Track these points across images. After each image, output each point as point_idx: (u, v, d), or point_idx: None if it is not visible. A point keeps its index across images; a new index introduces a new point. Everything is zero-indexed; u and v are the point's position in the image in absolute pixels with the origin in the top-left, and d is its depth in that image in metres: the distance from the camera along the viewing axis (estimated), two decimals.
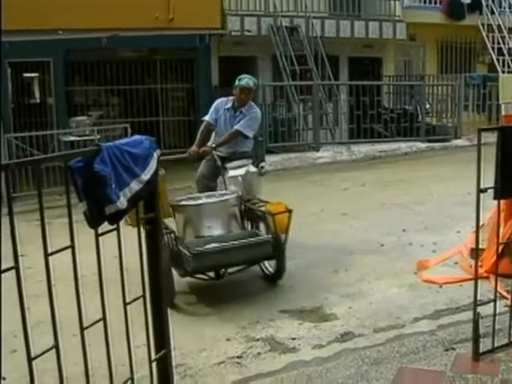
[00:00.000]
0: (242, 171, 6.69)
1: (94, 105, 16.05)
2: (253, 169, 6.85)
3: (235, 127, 7.13)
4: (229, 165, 6.83)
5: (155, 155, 3.12)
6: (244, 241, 5.92)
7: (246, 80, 7.19)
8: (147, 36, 14.25)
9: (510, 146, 4.18)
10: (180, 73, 16.57)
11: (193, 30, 15.13)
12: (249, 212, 6.59)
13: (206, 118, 7.34)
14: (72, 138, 12.70)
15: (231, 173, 6.74)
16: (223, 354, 4.67)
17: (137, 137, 3.14)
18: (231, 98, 7.32)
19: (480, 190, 4.10)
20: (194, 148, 7.10)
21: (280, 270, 6.18)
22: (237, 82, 7.24)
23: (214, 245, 5.88)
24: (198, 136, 7.29)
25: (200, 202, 6.35)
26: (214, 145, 7.16)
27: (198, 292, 6.18)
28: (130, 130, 12.91)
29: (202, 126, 7.33)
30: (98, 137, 12.30)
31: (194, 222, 6.23)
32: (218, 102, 7.43)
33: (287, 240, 6.07)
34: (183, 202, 6.38)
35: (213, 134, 7.34)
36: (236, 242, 5.86)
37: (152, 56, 16.08)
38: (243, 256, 5.89)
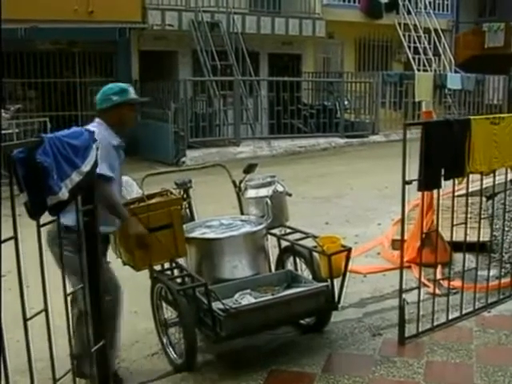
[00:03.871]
0: (267, 191, 5.04)
1: (10, 98, 15.57)
2: (280, 187, 5.16)
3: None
4: (249, 182, 5.16)
5: (94, 147, 3.14)
6: (296, 291, 4.45)
7: (132, 89, 4.30)
8: (66, 28, 14.03)
9: (433, 139, 4.40)
10: (99, 66, 16.33)
11: (113, 24, 14.99)
12: (285, 247, 5.15)
13: (109, 172, 3.95)
14: None
15: (252, 192, 5.09)
16: (155, 345, 4.69)
17: (76, 128, 3.15)
18: (102, 125, 4.09)
19: (405, 182, 4.29)
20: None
21: (323, 322, 4.78)
22: (117, 98, 4.11)
23: (251, 298, 4.36)
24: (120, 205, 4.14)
25: (224, 234, 4.68)
26: None
27: (131, 285, 6.11)
28: (49, 125, 12.69)
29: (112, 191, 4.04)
30: (17, 131, 12.03)
31: (214, 261, 4.62)
32: (101, 138, 3.56)
33: (344, 288, 4.54)
34: (197, 234, 4.73)
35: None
36: (289, 293, 4.42)
37: (71, 49, 15.77)
38: (291, 311, 4.38)
